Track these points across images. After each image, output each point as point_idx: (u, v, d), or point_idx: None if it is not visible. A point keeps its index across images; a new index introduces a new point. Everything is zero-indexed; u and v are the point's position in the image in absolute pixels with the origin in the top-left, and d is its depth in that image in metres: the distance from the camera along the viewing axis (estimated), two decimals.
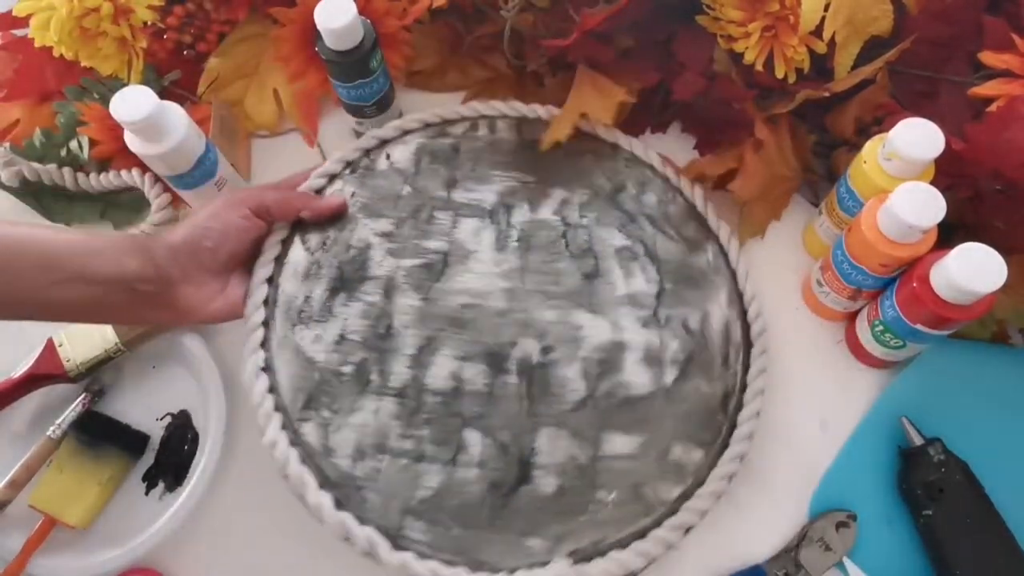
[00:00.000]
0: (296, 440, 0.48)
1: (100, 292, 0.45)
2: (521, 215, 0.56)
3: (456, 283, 0.53)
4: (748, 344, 0.53)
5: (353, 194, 0.57)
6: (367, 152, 0.59)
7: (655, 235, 0.56)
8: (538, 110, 0.61)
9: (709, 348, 0.52)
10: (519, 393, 0.50)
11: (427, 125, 0.61)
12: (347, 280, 0.53)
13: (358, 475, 0.47)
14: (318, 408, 0.49)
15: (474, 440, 0.48)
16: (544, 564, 0.45)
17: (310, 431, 0.49)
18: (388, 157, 0.59)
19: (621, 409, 0.49)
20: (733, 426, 0.50)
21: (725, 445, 0.49)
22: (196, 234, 0.49)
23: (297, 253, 0.54)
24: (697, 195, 0.58)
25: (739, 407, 0.50)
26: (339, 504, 0.47)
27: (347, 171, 0.58)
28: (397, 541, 0.46)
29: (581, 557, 0.45)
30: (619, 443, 0.48)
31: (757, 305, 0.54)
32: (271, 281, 0.53)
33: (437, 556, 0.46)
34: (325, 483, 0.47)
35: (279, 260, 0.54)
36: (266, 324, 0.52)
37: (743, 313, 0.54)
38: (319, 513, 0.46)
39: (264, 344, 0.51)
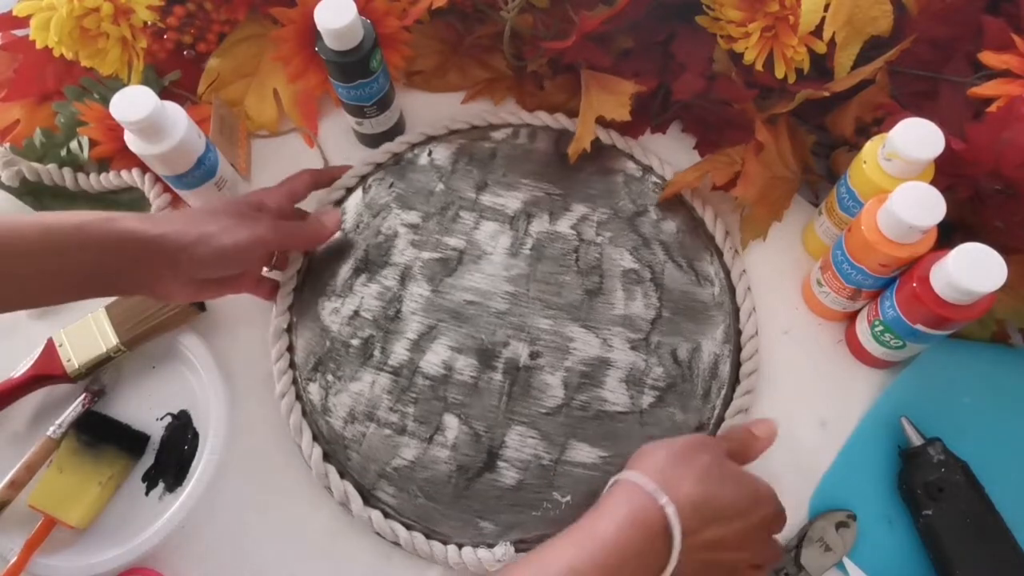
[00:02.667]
0: (301, 396, 0.54)
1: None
2: (540, 225, 0.59)
3: (465, 280, 0.57)
4: (735, 381, 0.54)
5: (392, 184, 0.61)
6: (412, 147, 0.63)
7: (665, 262, 0.57)
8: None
9: (692, 380, 0.54)
10: (501, 390, 0.53)
11: (473, 127, 0.64)
12: (371, 262, 0.58)
13: (347, 436, 0.53)
14: (324, 372, 0.55)
15: (452, 424, 0.52)
16: (490, 546, 0.49)
17: (314, 390, 0.54)
18: (430, 154, 0.62)
19: (593, 422, 0.52)
20: None
21: None
22: (213, 257, 0.48)
23: None
24: (718, 228, 0.59)
25: None
26: (326, 457, 0.53)
27: (391, 162, 0.62)
28: (368, 499, 0.51)
29: (525, 547, 0.49)
30: (584, 452, 0.51)
31: (754, 345, 0.55)
32: (308, 253, 0.59)
33: (400, 518, 0.51)
34: (318, 437, 0.53)
35: None
36: (297, 290, 0.58)
37: (738, 350, 0.55)
38: (309, 460, 0.52)
39: (291, 308, 0.57)
